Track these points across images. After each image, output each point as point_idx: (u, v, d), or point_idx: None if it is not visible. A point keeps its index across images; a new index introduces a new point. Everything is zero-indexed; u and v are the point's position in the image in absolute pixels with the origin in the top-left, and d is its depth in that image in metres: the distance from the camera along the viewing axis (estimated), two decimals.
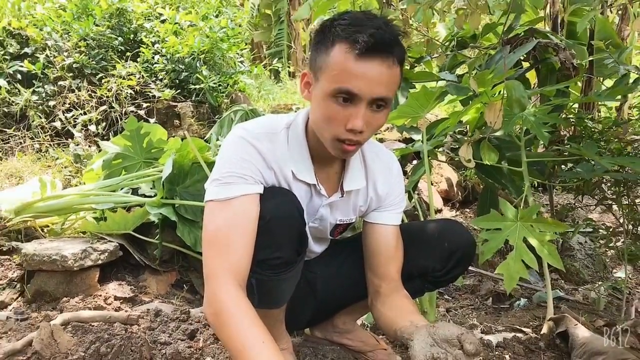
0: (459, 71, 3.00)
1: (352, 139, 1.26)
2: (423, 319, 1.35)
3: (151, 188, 2.79)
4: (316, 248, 1.69)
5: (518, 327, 2.33)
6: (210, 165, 2.50)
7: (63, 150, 3.76)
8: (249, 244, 1.26)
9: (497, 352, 1.98)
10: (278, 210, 1.31)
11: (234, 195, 1.26)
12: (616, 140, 2.53)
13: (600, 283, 2.97)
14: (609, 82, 3.13)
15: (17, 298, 2.22)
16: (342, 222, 1.56)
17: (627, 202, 2.72)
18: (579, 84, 3.14)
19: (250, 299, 1.23)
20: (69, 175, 3.52)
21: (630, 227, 2.69)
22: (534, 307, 2.77)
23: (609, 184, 2.74)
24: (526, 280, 3.23)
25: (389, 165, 1.57)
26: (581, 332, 1.84)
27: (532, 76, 3.19)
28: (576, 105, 3.09)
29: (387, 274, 1.54)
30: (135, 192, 2.77)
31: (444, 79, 2.66)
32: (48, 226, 2.67)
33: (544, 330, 2.14)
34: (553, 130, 2.67)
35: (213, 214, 1.26)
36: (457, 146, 2.70)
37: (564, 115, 2.74)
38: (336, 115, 1.24)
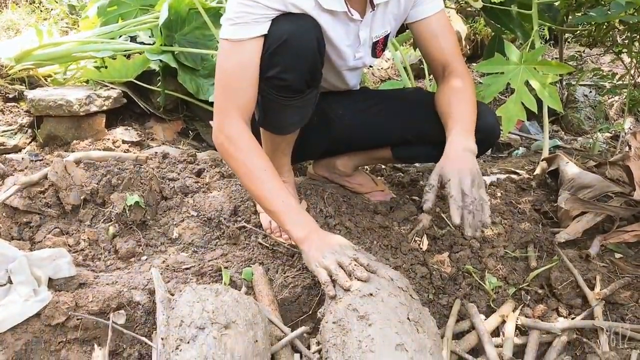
0: None
1: None
2: (459, 128, 1.45)
3: (150, 37, 2.73)
4: (352, 80, 1.72)
5: (513, 169, 2.42)
6: (209, 11, 2.42)
7: (56, 1, 3.62)
8: (256, 85, 1.36)
9: (489, 190, 2.08)
10: (296, 34, 1.33)
11: (245, 37, 1.32)
12: None
13: (599, 129, 2.99)
14: None
15: (30, 143, 2.31)
16: (378, 39, 1.56)
17: (637, 50, 2.65)
18: None
19: (256, 115, 1.31)
20: (66, 27, 3.44)
21: (637, 74, 2.65)
22: (531, 154, 2.84)
23: (620, 30, 2.64)
24: (526, 131, 3.28)
25: None
26: (571, 168, 1.91)
27: None
28: None
29: (445, 60, 1.59)
30: (133, 40, 2.72)
31: None
32: (50, 76, 2.67)
33: (537, 170, 2.23)
34: None
35: (225, 54, 1.36)
36: None
37: None
38: None
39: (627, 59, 2.85)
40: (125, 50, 2.53)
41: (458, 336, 1.41)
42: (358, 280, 1.21)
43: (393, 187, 2.13)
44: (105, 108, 2.32)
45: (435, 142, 1.64)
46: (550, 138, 2.68)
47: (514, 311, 1.45)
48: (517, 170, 2.39)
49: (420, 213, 1.78)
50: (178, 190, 1.79)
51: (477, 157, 1.43)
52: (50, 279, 1.36)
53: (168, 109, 2.64)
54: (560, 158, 1.99)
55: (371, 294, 1.17)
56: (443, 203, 1.91)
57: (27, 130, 2.32)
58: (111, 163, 1.80)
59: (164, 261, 1.51)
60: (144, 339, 1.29)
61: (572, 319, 1.45)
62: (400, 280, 1.26)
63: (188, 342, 1.06)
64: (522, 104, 2.07)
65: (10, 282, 1.32)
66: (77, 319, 1.28)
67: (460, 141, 1.44)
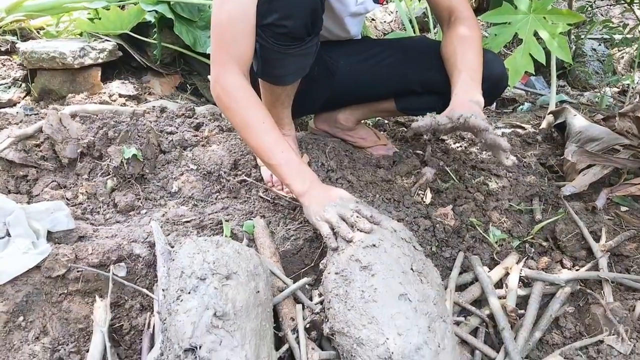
0: None
1: None
2: (465, 79, 1.41)
3: None
4: (353, 28, 1.67)
5: (518, 124, 2.37)
6: None
7: None
8: (252, 35, 1.30)
9: None
10: None
11: None
12: None
13: (608, 82, 2.92)
14: None
15: (24, 97, 2.26)
16: None
17: None
18: None
19: (254, 65, 1.26)
20: None
21: None
22: (536, 109, 2.79)
23: None
24: (531, 86, 3.21)
25: None
26: (578, 121, 1.87)
27: None
28: None
29: (451, 5, 1.55)
30: None
31: None
32: (43, 28, 2.59)
33: (543, 124, 2.18)
34: None
35: (220, 2, 1.29)
36: None
37: None
38: None
39: (638, 11, 2.75)
40: (120, 1, 2.44)
41: (461, 288, 1.40)
42: (361, 231, 1.19)
43: (396, 141, 2.09)
44: (100, 61, 2.25)
45: (440, 92, 1.59)
46: (556, 93, 2.62)
47: (517, 263, 1.43)
48: (523, 125, 2.35)
49: (424, 167, 1.75)
50: (176, 143, 1.75)
51: (483, 109, 1.39)
52: (49, 232, 1.35)
53: (165, 62, 2.57)
54: (568, 110, 1.94)
55: (374, 245, 1.15)
56: (447, 157, 1.88)
57: (21, 84, 2.26)
58: (107, 116, 1.76)
59: (163, 214, 1.49)
60: (145, 290, 1.29)
61: (576, 270, 1.44)
62: (403, 231, 1.23)
63: (189, 293, 1.04)
64: (530, 55, 2.01)
65: (8, 235, 1.30)
66: (78, 271, 1.27)
67: (466, 92, 1.40)
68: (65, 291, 1.27)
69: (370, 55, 1.71)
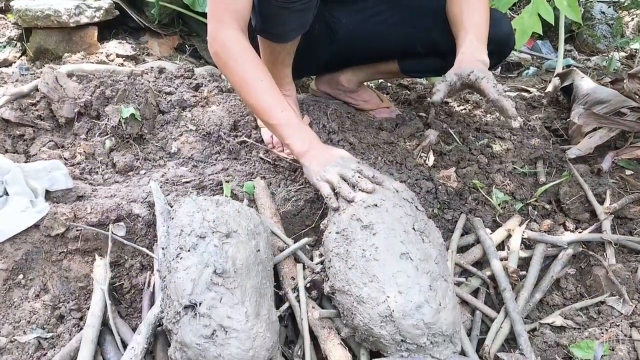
0: None
1: None
2: (471, 39, 1.38)
3: None
4: None
5: (524, 87, 2.33)
6: None
7: None
8: None
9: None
10: None
11: None
12: None
13: (617, 45, 2.85)
14: None
15: (20, 57, 2.21)
16: None
17: None
18: None
19: (253, 22, 1.24)
20: None
21: None
22: (542, 73, 2.73)
23: None
24: (537, 50, 3.14)
25: None
26: (586, 83, 1.83)
27: None
28: None
29: None
30: None
31: None
32: None
33: (549, 87, 2.14)
34: None
35: None
36: None
37: None
38: None
39: None
40: None
41: (462, 250, 1.39)
42: (362, 192, 1.18)
43: (399, 104, 2.05)
44: (96, 20, 2.19)
45: (444, 52, 1.54)
46: (563, 58, 2.56)
47: (520, 226, 1.42)
48: (528, 88, 2.30)
49: (427, 129, 1.72)
50: (175, 104, 1.72)
51: (494, 66, 1.36)
52: (47, 192, 1.33)
53: (163, 23, 2.50)
54: (575, 72, 1.90)
55: (375, 205, 1.13)
56: (451, 119, 1.85)
57: (16, 44, 2.21)
58: (105, 75, 1.72)
59: (163, 175, 1.47)
60: (144, 249, 1.28)
61: (579, 233, 1.43)
62: (405, 192, 1.22)
63: (188, 250, 1.04)
64: (539, 15, 1.95)
65: (6, 193, 1.29)
66: (77, 230, 1.26)
67: (472, 52, 1.36)
68: (65, 250, 1.26)
69: (373, 14, 1.66)
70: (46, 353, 1.11)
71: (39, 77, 1.78)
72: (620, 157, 1.64)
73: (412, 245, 1.07)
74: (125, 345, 1.10)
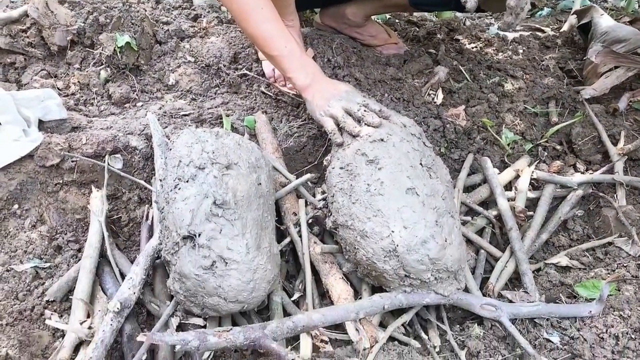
0: None
1: None
2: None
3: None
4: None
5: (538, 27, 2.22)
6: None
7: None
8: None
9: (510, 46, 1.92)
10: None
11: None
12: None
13: None
14: None
15: None
16: None
17: None
18: None
19: None
20: None
21: None
22: (557, 14, 2.61)
23: None
24: None
25: None
26: (605, 21, 1.73)
27: None
28: None
29: None
30: None
31: None
32: None
33: (565, 27, 2.04)
34: None
35: None
36: None
37: None
38: None
39: None
40: None
41: (468, 190, 1.36)
42: (368, 126, 1.13)
43: (408, 41, 1.96)
44: None
45: None
46: None
47: (529, 166, 1.38)
48: (542, 28, 2.20)
49: (436, 66, 1.64)
50: (173, 34, 1.64)
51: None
52: (40, 122, 1.28)
53: None
54: (595, 9, 1.80)
55: (382, 139, 1.09)
56: (461, 57, 1.77)
57: None
58: (97, 0, 1.63)
59: (160, 107, 1.41)
60: (142, 182, 1.25)
61: (590, 174, 1.39)
62: (413, 127, 1.17)
63: (187, 181, 1.00)
64: None
65: None
66: (72, 161, 1.22)
67: None
68: (61, 181, 1.23)
69: None
70: (44, 282, 1.09)
71: (28, 3, 1.69)
72: (636, 98, 1.57)
73: (419, 180, 1.03)
74: (123, 277, 1.09)
